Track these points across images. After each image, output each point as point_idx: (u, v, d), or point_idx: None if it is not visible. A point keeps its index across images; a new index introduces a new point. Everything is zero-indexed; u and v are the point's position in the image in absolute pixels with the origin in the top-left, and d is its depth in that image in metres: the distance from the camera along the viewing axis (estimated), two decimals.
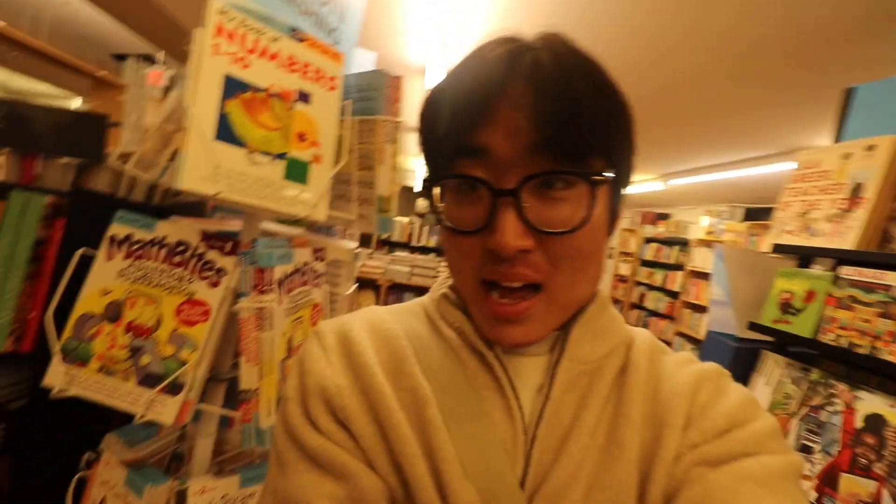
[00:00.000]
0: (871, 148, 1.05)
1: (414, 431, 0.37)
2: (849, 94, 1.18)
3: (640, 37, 2.24)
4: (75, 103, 6.71)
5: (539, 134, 0.32)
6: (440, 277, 0.49)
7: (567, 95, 0.33)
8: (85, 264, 0.72)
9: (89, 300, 0.71)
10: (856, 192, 1.06)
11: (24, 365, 0.86)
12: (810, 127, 3.04)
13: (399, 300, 3.48)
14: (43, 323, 0.83)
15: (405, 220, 4.71)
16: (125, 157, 0.88)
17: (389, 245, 4.86)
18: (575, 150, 0.33)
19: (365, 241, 4.24)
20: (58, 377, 0.67)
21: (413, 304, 0.49)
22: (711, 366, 0.41)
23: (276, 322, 0.67)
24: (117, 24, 3.28)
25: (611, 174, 0.35)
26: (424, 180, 0.40)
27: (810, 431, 1.02)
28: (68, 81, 5.50)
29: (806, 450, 1.00)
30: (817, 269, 1.14)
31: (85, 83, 4.26)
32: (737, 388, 0.39)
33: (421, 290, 3.46)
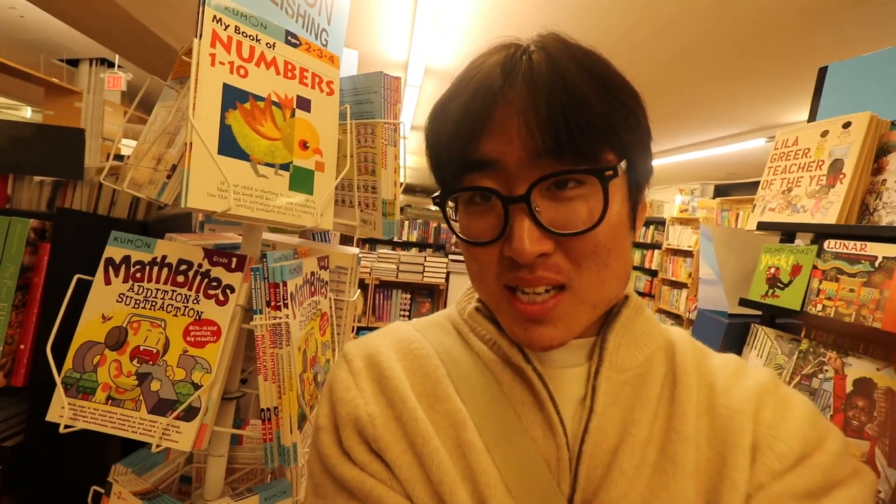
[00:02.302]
0: (847, 125, 1.09)
1: (452, 457, 0.36)
2: (822, 74, 1.22)
3: (621, 25, 2.26)
4: (26, 113, 6.36)
5: (541, 138, 0.32)
6: (465, 288, 0.48)
7: (563, 94, 0.32)
8: (74, 290, 0.69)
9: (89, 328, 0.67)
10: (835, 167, 1.10)
11: (17, 400, 0.82)
12: (781, 104, 3.15)
13: (388, 297, 3.47)
14: (34, 355, 0.79)
15: None
16: (112, 173, 0.84)
17: (371, 243, 4.82)
18: (580, 148, 0.32)
19: (346, 241, 4.19)
20: (62, 411, 0.64)
21: (439, 316, 0.48)
22: (765, 375, 0.40)
23: (293, 336, 0.65)
24: (68, 28, 3.10)
25: (621, 165, 0.34)
26: (436, 196, 0.39)
27: None
28: (18, 90, 5.20)
29: None
30: (800, 244, 1.19)
31: (37, 91, 4.03)
32: (795, 398, 0.38)
33: (409, 287, 3.45)
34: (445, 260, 3.41)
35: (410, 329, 0.45)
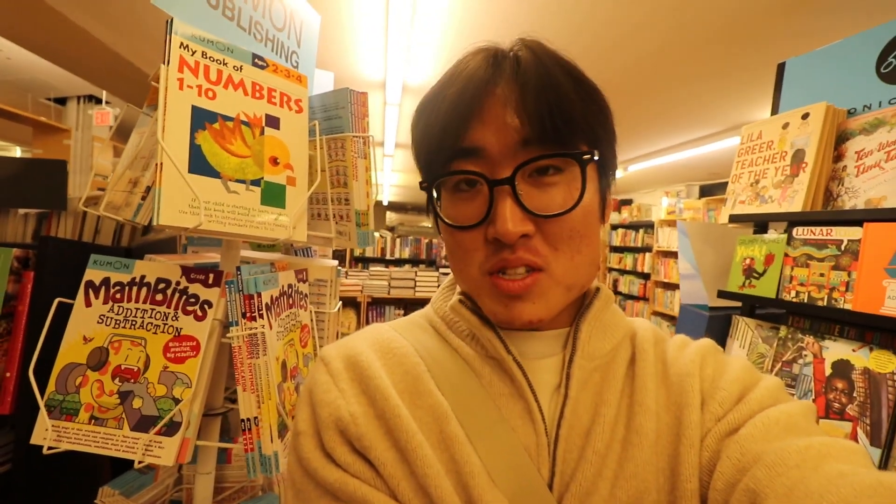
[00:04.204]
0: (805, 116, 1.13)
1: (436, 451, 0.37)
2: (781, 69, 1.28)
3: (592, 31, 2.33)
4: (16, 152, 6.39)
5: (527, 128, 0.35)
6: (440, 288, 0.50)
7: (549, 89, 0.35)
8: (58, 315, 0.70)
9: (71, 350, 0.69)
10: (797, 157, 1.14)
11: (5, 431, 0.82)
12: (752, 103, 3.24)
13: (381, 314, 3.47)
14: (20, 383, 0.80)
15: (377, 234, 4.70)
16: (93, 201, 0.86)
17: (363, 262, 4.83)
18: (561, 139, 0.36)
19: (339, 260, 4.20)
20: (46, 434, 0.65)
21: (416, 316, 0.48)
22: (705, 342, 0.44)
23: (270, 347, 0.67)
24: (55, 67, 3.16)
25: (595, 154, 0.37)
26: (422, 182, 0.41)
27: (786, 385, 1.08)
28: (6, 130, 5.24)
29: None
30: (772, 234, 1.22)
31: (25, 131, 4.06)
32: (733, 357, 0.42)
33: (402, 302, 3.46)
34: (436, 274, 3.43)
35: (388, 329, 0.45)
